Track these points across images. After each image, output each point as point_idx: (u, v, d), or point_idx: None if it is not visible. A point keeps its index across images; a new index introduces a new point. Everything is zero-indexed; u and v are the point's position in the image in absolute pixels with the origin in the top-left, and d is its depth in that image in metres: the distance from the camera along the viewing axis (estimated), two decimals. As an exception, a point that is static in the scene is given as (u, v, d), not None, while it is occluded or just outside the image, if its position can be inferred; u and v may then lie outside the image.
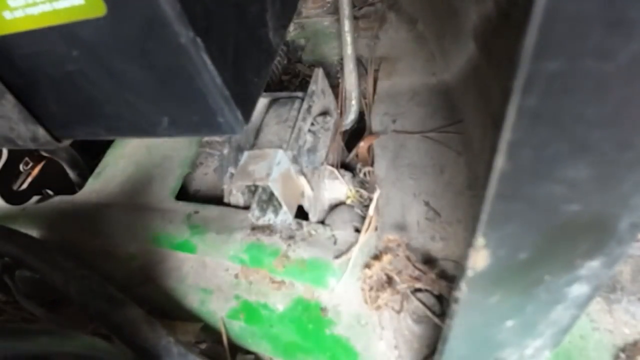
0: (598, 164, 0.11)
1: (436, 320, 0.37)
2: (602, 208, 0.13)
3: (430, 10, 0.56)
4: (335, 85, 0.56)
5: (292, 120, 0.46)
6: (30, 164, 0.62)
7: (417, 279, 0.39)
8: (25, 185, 0.62)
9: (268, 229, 0.47)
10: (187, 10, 0.17)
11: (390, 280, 0.40)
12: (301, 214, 0.47)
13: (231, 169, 0.47)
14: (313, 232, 0.46)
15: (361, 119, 0.54)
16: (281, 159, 0.43)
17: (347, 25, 0.51)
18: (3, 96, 0.23)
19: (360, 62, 0.56)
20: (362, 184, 0.49)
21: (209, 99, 0.20)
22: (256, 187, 0.46)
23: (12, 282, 0.50)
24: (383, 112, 0.54)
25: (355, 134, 0.54)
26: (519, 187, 0.12)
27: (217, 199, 0.53)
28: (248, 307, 0.45)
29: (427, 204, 0.44)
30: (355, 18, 0.57)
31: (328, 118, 0.50)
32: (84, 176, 0.63)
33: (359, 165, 0.50)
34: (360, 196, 0.48)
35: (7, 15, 0.19)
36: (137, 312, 0.42)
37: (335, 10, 0.62)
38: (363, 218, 0.45)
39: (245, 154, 0.45)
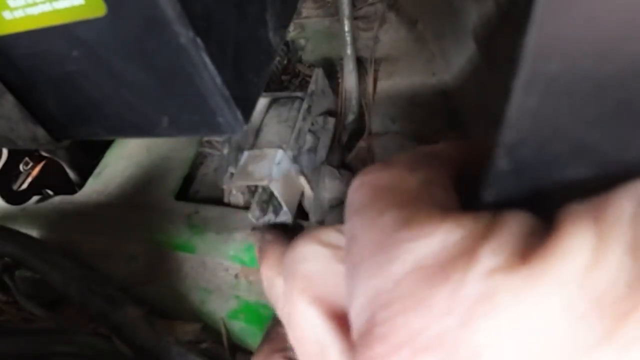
0: (598, 164, 0.11)
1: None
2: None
3: (430, 10, 0.56)
4: (335, 85, 0.56)
5: (292, 120, 0.46)
6: (30, 164, 0.62)
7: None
8: (25, 185, 0.62)
9: (268, 229, 0.47)
10: (187, 10, 0.17)
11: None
12: (301, 214, 0.47)
13: (231, 169, 0.47)
14: (313, 232, 0.45)
15: (361, 119, 0.54)
16: (281, 159, 0.43)
17: (347, 25, 0.51)
18: (3, 96, 0.23)
19: (360, 62, 0.56)
20: (362, 184, 0.48)
21: (208, 99, 0.20)
22: (256, 187, 0.46)
23: (12, 282, 0.50)
24: (383, 112, 0.54)
25: (355, 134, 0.54)
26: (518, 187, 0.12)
27: (217, 199, 0.53)
28: (248, 307, 0.45)
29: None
30: (355, 18, 0.57)
31: (328, 118, 0.50)
32: (84, 176, 0.63)
33: (359, 165, 0.50)
34: (360, 196, 0.48)
35: (7, 15, 0.19)
36: (137, 312, 0.42)
37: (336, 11, 0.62)
38: (363, 218, 0.45)
39: (245, 154, 0.45)
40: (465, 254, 0.11)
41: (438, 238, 0.12)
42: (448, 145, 0.18)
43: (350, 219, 0.15)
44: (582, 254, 0.10)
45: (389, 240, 0.13)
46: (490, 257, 0.11)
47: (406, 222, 0.13)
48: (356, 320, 0.13)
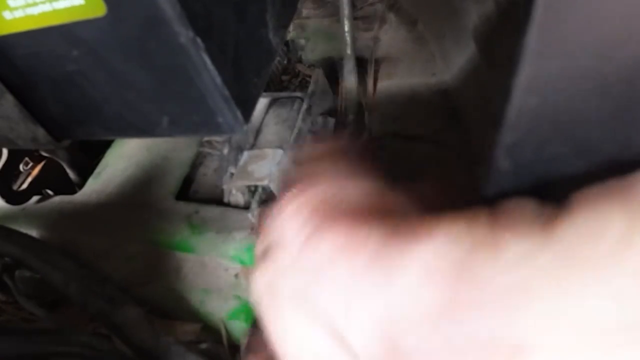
0: (598, 163, 0.11)
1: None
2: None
3: (430, 10, 0.56)
4: (335, 85, 0.56)
5: (292, 121, 0.46)
6: (30, 164, 0.62)
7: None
8: (25, 185, 0.62)
9: (268, 229, 0.47)
10: (187, 10, 0.17)
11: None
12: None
13: (231, 169, 0.47)
14: (313, 232, 0.45)
15: (361, 119, 0.54)
16: (281, 159, 0.43)
17: (347, 25, 0.51)
18: (3, 96, 0.23)
19: (360, 62, 0.56)
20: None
21: (208, 99, 0.20)
22: (256, 187, 0.46)
23: (12, 282, 0.50)
24: (383, 112, 0.54)
25: (355, 134, 0.54)
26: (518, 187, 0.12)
27: (217, 199, 0.53)
28: (248, 307, 0.45)
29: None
30: (355, 18, 0.57)
31: (328, 118, 0.50)
32: (84, 176, 0.63)
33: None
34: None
35: (7, 15, 0.19)
36: (137, 312, 0.42)
37: (335, 11, 0.62)
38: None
39: (245, 154, 0.45)
40: (484, 246, 0.10)
41: (441, 237, 0.11)
42: (331, 146, 0.17)
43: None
44: (614, 231, 0.09)
45: (378, 256, 0.12)
46: (515, 243, 0.10)
47: (393, 234, 0.12)
48: (368, 344, 0.12)
